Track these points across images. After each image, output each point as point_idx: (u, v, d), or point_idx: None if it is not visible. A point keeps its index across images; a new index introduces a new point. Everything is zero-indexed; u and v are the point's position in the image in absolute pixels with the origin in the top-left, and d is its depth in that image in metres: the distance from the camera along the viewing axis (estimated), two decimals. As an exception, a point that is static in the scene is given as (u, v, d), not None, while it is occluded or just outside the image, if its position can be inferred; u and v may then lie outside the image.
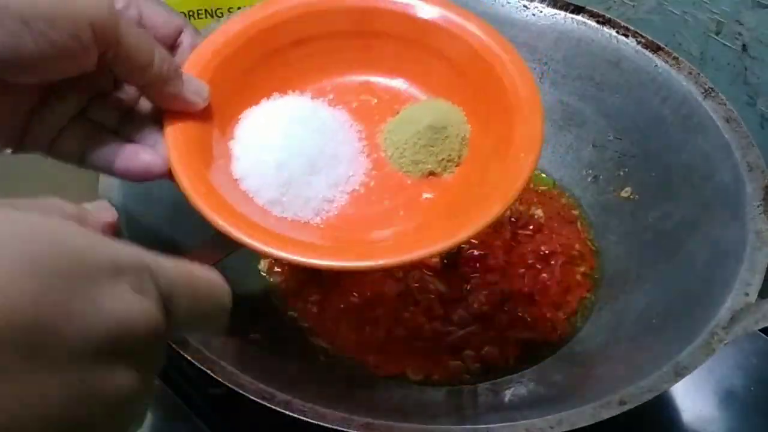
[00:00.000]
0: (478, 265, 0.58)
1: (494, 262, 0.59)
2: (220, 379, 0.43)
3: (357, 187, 0.46)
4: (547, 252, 0.60)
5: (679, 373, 0.43)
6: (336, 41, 0.48)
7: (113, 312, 0.24)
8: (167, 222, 0.53)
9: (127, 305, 0.25)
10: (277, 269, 0.59)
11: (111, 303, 0.24)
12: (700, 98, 0.57)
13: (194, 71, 0.43)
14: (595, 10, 0.64)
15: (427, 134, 0.45)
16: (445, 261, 0.58)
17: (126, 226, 0.49)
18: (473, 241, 0.59)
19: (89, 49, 0.35)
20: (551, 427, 0.40)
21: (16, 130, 0.39)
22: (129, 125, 0.42)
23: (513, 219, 0.62)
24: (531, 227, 0.62)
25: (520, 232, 0.61)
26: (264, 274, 0.59)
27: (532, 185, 0.65)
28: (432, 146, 0.46)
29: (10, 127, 0.39)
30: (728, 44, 0.65)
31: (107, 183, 0.51)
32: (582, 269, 0.60)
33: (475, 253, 0.59)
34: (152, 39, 0.39)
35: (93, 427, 0.24)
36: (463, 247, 0.59)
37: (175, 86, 0.40)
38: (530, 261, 0.59)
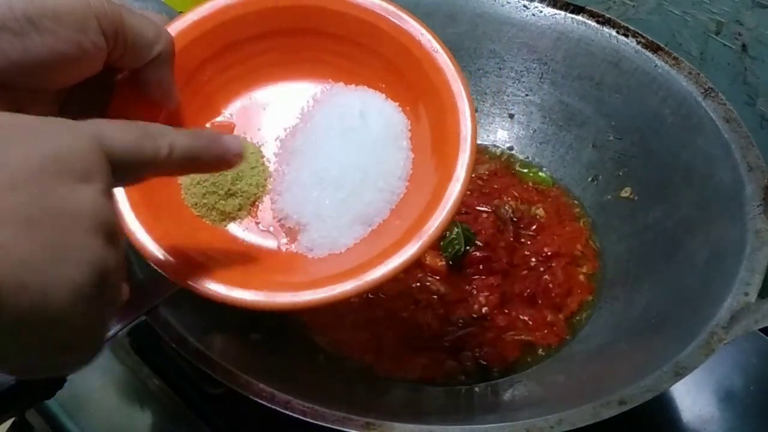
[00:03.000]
0: (481, 266, 0.58)
1: (497, 264, 0.58)
2: (220, 379, 0.43)
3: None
4: (549, 253, 0.60)
5: (679, 373, 0.43)
6: (277, 40, 0.46)
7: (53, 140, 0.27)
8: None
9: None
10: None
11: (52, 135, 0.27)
12: (700, 98, 0.57)
13: None
14: (595, 10, 0.64)
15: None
16: (450, 263, 0.58)
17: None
18: (478, 243, 0.59)
19: (97, 43, 0.35)
20: (551, 427, 0.40)
21: None
22: None
23: (515, 219, 0.62)
24: (533, 227, 0.62)
25: (522, 232, 0.61)
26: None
27: (531, 183, 0.65)
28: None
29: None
30: (728, 44, 0.65)
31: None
32: (584, 270, 0.60)
33: (479, 254, 0.59)
34: (152, 16, 0.38)
35: (68, 243, 0.26)
36: (467, 249, 0.58)
37: (169, 68, 0.39)
38: (533, 263, 0.59)
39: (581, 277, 0.59)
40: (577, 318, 0.57)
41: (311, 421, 0.41)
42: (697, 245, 0.52)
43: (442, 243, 0.58)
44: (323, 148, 0.43)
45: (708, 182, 0.55)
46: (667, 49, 0.61)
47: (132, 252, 0.49)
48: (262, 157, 0.45)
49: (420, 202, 0.41)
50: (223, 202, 0.43)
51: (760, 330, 0.56)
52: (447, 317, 0.56)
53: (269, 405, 0.42)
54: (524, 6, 0.65)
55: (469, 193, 0.63)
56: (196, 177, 0.42)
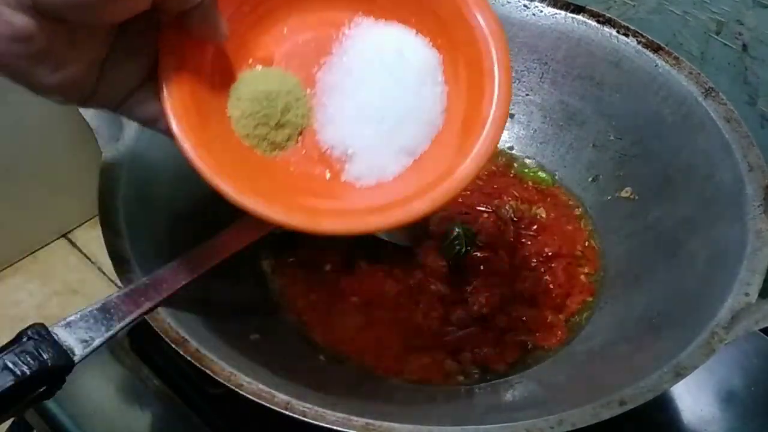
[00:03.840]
0: (482, 267, 0.58)
1: (498, 264, 0.58)
2: (220, 379, 0.43)
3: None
4: (550, 254, 0.60)
5: (679, 373, 0.43)
6: None
7: None
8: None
9: None
10: (277, 269, 0.59)
11: None
12: (700, 98, 0.57)
13: None
14: (595, 10, 0.64)
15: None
16: (451, 263, 0.58)
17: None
18: (479, 243, 0.59)
19: None
20: (551, 427, 0.40)
21: (85, 83, 0.39)
22: None
23: (515, 219, 0.62)
24: (534, 228, 0.62)
25: (523, 232, 0.61)
26: (265, 275, 0.59)
27: (531, 183, 0.65)
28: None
29: (80, 79, 0.39)
30: (728, 44, 0.65)
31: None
32: (585, 270, 0.60)
33: (479, 255, 0.59)
34: None
35: None
36: (468, 250, 0.58)
37: (214, 10, 0.40)
38: (533, 263, 0.59)
39: (582, 278, 0.59)
40: (578, 318, 0.57)
41: (311, 421, 0.41)
42: (698, 245, 0.52)
43: (444, 244, 0.58)
44: (363, 83, 0.45)
45: (708, 182, 0.55)
46: (667, 48, 0.60)
47: (133, 253, 0.49)
48: (304, 87, 0.46)
49: (460, 133, 0.43)
50: (273, 133, 0.44)
51: (761, 330, 0.56)
52: (447, 317, 0.56)
53: (269, 405, 0.42)
54: (524, 6, 0.65)
55: (468, 193, 0.63)
56: (247, 110, 0.44)
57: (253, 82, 0.45)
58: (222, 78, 0.45)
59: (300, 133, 0.45)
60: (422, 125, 0.44)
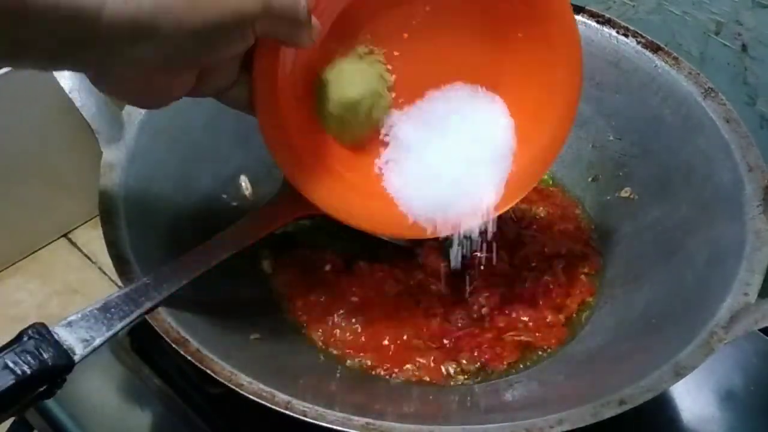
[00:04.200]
0: (482, 267, 0.58)
1: (498, 264, 0.58)
2: (220, 379, 0.43)
3: None
4: (549, 254, 0.60)
5: (679, 373, 0.43)
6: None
7: None
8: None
9: None
10: (277, 269, 0.59)
11: None
12: (700, 98, 0.57)
13: None
14: (595, 10, 0.64)
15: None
16: (450, 263, 0.58)
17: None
18: (479, 243, 0.59)
19: (248, 35, 0.40)
20: (551, 427, 0.40)
21: (188, 83, 0.42)
22: None
23: (515, 219, 0.62)
24: (534, 228, 0.62)
25: (522, 232, 0.61)
26: (265, 275, 0.59)
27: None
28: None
29: (184, 80, 0.42)
30: (728, 44, 0.65)
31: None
32: (586, 270, 0.60)
33: (479, 255, 0.59)
34: None
35: None
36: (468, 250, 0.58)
37: (308, 27, 0.42)
38: (533, 263, 0.59)
39: (582, 278, 0.59)
40: (577, 318, 0.57)
41: (311, 421, 0.41)
42: (697, 245, 0.53)
43: (444, 244, 0.58)
44: (435, 146, 0.49)
45: (708, 182, 0.55)
46: (667, 49, 0.61)
47: (133, 253, 0.49)
48: (386, 62, 0.49)
49: None
50: (358, 129, 0.48)
51: (760, 330, 0.56)
52: (447, 317, 0.56)
53: (269, 405, 0.42)
54: (524, 6, 0.65)
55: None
56: (334, 111, 0.47)
57: (341, 82, 0.47)
58: (310, 69, 0.47)
59: (376, 124, 0.49)
60: (477, 187, 0.50)
